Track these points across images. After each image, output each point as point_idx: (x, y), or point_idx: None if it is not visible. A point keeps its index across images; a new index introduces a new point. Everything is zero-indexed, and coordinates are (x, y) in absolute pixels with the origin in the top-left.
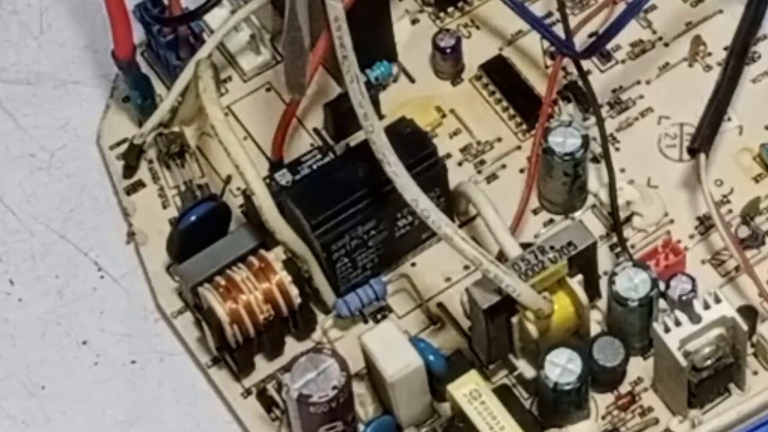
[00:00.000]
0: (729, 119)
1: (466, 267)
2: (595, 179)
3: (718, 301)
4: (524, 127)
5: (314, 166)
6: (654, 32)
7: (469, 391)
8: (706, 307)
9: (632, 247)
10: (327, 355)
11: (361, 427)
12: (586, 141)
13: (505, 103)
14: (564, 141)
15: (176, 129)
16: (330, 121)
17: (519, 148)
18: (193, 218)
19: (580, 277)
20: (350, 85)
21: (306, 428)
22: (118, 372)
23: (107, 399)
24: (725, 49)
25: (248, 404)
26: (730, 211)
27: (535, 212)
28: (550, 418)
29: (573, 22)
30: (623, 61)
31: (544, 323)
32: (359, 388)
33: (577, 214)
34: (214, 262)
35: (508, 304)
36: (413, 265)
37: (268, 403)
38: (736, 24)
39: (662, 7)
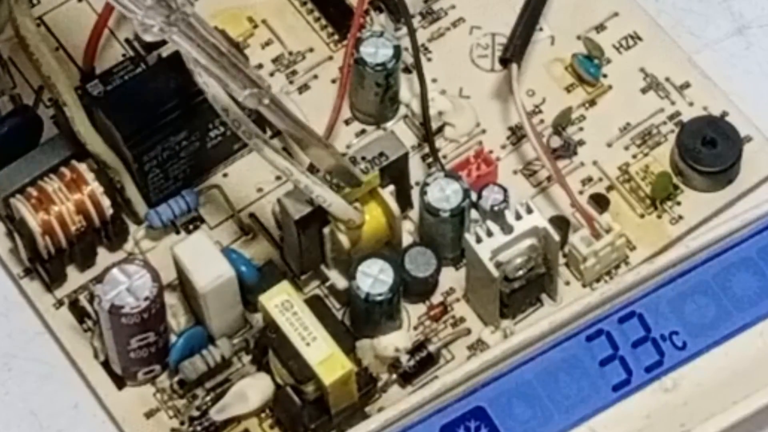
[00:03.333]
0: (541, 29)
1: (278, 178)
2: (406, 90)
3: (529, 211)
4: (336, 37)
5: (126, 77)
6: None
7: (281, 301)
8: (518, 217)
9: (444, 157)
10: (139, 266)
11: (173, 337)
12: (397, 51)
13: (316, 14)
14: (376, 51)
15: None
16: None
17: (331, 58)
18: (4, 129)
19: (391, 187)
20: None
21: (118, 339)
22: None
23: None
24: None
25: (60, 315)
26: (542, 121)
27: (347, 123)
28: (362, 329)
29: None
30: None
31: (356, 234)
32: (171, 299)
33: (389, 125)
34: (26, 173)
35: (319, 215)
36: (225, 175)
37: (80, 313)
38: None
39: None
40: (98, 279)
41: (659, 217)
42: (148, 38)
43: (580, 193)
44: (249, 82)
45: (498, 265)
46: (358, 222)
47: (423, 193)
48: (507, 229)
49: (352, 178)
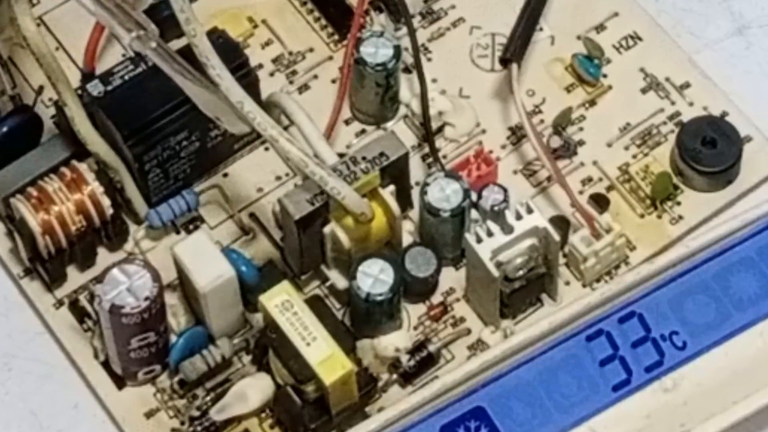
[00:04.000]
0: (541, 29)
1: (278, 177)
2: (407, 90)
3: (530, 211)
4: (336, 37)
5: (126, 77)
6: None
7: (281, 301)
8: (518, 217)
9: (444, 157)
10: (139, 265)
11: (173, 337)
12: (397, 51)
13: (316, 14)
14: (376, 51)
15: None
16: None
17: (331, 58)
18: (4, 129)
19: (392, 187)
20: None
21: (118, 339)
22: None
23: None
24: None
25: (60, 315)
26: (542, 121)
27: (347, 123)
28: (362, 329)
29: None
30: None
31: (356, 233)
32: (171, 299)
33: (389, 125)
34: (26, 173)
35: (320, 215)
36: (225, 175)
37: (80, 313)
38: None
39: None
40: (98, 279)
41: (659, 217)
42: None
43: (580, 193)
44: (135, 26)
45: (498, 265)
46: (369, 215)
47: (423, 193)
48: (507, 229)
49: (234, 121)
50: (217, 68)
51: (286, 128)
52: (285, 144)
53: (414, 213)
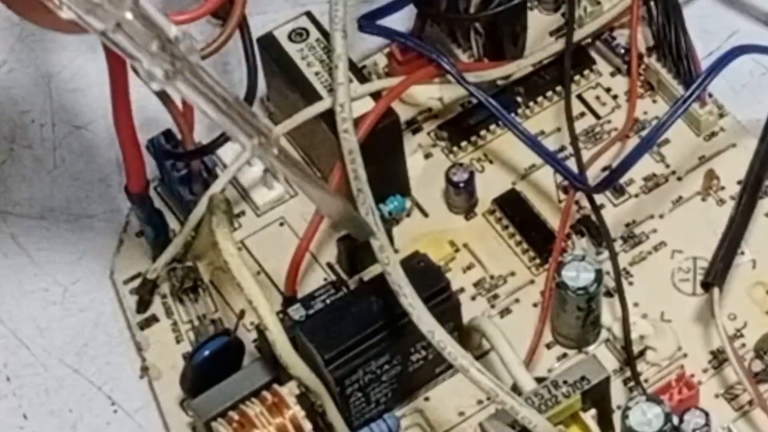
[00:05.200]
0: (742, 253)
1: (480, 401)
2: (608, 313)
3: None
4: (537, 261)
5: (327, 301)
6: (667, 166)
7: None
8: None
9: (646, 381)
10: None
11: None
12: (599, 275)
13: (518, 237)
14: (577, 275)
15: (190, 264)
16: (344, 255)
17: (532, 282)
18: (206, 353)
19: (593, 411)
20: (366, 218)
21: None
22: None
23: None
24: (738, 183)
25: None
26: (744, 345)
27: (548, 346)
28: None
29: (586, 156)
30: (636, 195)
31: None
32: None
33: (591, 348)
34: (227, 397)
35: None
36: (426, 399)
37: None
38: (749, 158)
39: (675, 141)
40: None
41: None
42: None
43: None
44: (256, 132)
45: None
46: None
47: (624, 417)
48: None
49: (360, 227)
50: (408, 296)
51: (487, 353)
52: (475, 374)
53: None
